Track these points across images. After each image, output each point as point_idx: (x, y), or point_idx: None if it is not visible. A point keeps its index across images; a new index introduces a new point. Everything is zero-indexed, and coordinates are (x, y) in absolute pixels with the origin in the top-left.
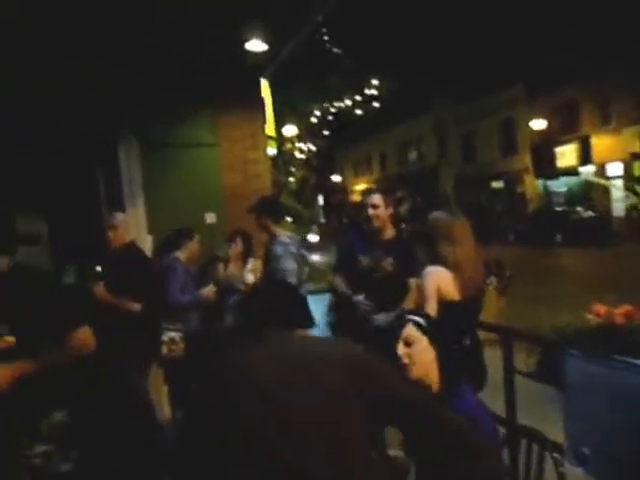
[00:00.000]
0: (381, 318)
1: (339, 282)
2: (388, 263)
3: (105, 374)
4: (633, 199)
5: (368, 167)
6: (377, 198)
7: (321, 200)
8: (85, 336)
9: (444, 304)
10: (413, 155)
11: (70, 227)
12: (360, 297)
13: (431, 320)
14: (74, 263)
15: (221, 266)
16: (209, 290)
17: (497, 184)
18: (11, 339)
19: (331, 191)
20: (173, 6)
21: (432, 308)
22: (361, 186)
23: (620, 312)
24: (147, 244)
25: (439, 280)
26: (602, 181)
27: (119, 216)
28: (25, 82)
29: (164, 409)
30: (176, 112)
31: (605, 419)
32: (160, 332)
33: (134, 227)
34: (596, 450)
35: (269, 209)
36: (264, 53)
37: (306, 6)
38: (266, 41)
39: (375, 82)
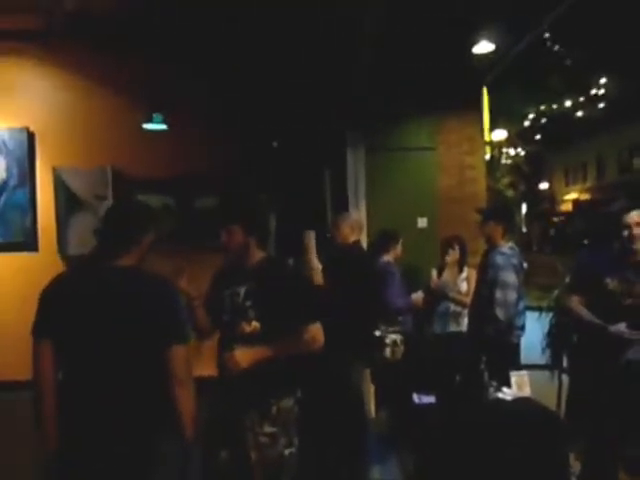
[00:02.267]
0: None
1: (576, 304)
2: None
3: (330, 370)
4: None
5: (582, 174)
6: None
7: (524, 208)
8: (317, 332)
9: None
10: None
11: (296, 225)
12: (621, 325)
13: None
14: (294, 259)
15: (434, 272)
16: (418, 296)
17: None
18: (256, 324)
19: (537, 199)
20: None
21: None
22: (572, 195)
23: None
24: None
25: None
26: None
27: (345, 216)
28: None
29: (370, 407)
30: (401, 115)
31: None
32: (374, 333)
33: (358, 228)
34: None
35: (503, 217)
36: (488, 55)
37: (539, 4)
38: (495, 42)
39: (603, 81)
